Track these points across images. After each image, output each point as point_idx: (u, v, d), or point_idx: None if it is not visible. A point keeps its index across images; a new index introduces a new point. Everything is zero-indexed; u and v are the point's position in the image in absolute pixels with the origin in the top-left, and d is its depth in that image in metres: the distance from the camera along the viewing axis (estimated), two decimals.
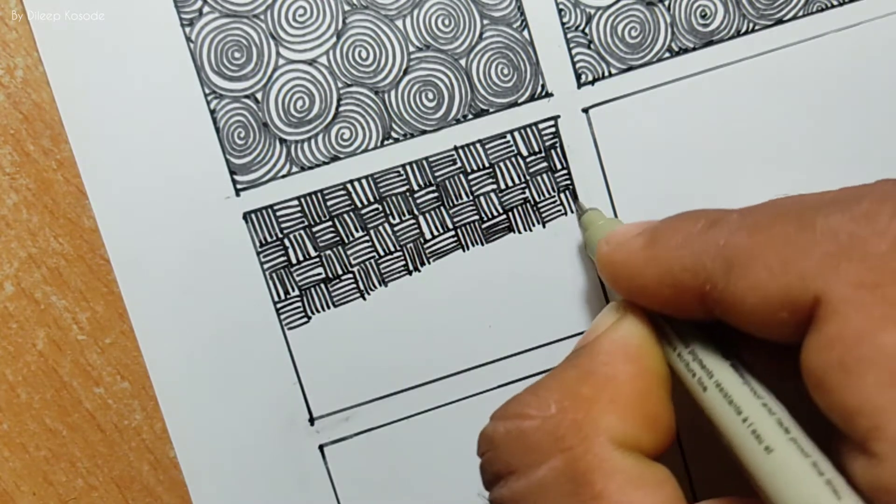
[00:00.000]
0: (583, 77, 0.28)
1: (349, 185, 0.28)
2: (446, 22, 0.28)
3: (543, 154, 0.28)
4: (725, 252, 0.19)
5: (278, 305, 0.28)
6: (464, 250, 0.28)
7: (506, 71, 0.28)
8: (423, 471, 0.28)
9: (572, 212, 0.28)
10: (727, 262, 0.19)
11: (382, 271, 0.28)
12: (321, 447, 0.28)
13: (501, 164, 0.28)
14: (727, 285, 0.19)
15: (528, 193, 0.28)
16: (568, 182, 0.28)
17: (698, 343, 0.22)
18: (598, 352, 0.22)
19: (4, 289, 0.27)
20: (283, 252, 0.28)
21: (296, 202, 0.28)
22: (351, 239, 0.28)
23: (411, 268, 0.28)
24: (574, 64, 0.28)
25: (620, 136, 0.28)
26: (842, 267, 0.18)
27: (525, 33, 0.28)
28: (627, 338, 0.22)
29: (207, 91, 0.27)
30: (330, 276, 0.28)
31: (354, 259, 0.28)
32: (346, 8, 0.27)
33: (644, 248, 0.22)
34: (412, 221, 0.28)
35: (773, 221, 0.19)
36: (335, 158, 0.28)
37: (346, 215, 0.28)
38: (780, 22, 0.29)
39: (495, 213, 0.28)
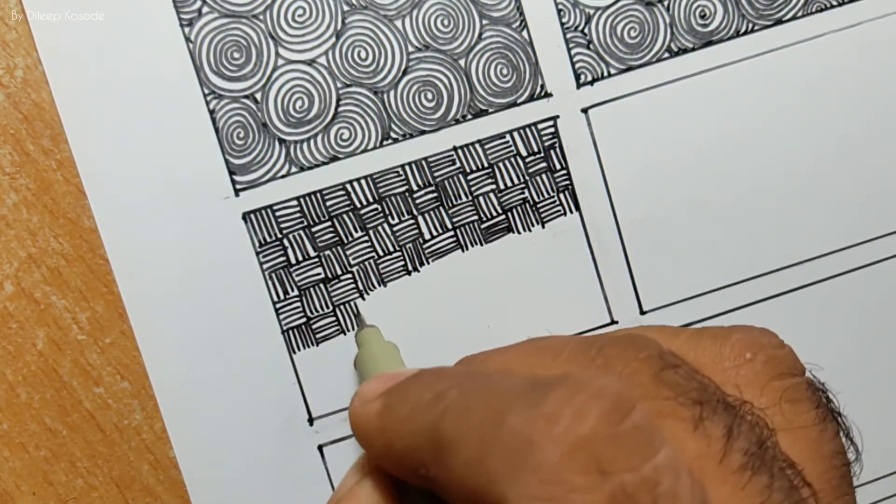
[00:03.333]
0: (582, 77, 0.28)
1: (348, 186, 0.28)
2: (445, 22, 0.28)
3: (543, 154, 0.28)
4: (436, 435, 0.19)
5: (278, 305, 0.28)
6: (463, 250, 0.28)
7: (505, 71, 0.28)
8: None
9: (572, 212, 0.28)
10: (436, 448, 0.18)
11: (382, 271, 0.28)
12: (320, 447, 0.28)
13: (501, 165, 0.28)
14: (437, 474, 0.18)
15: (527, 193, 0.28)
16: (567, 182, 0.28)
17: None
18: None
19: (4, 289, 0.27)
20: (282, 252, 0.28)
21: (295, 202, 0.28)
22: (350, 239, 0.28)
23: (410, 268, 0.28)
24: (573, 64, 0.28)
25: (620, 136, 0.28)
26: (519, 476, 0.17)
27: (524, 33, 0.28)
28: None
29: (207, 91, 0.27)
30: (329, 276, 0.28)
31: (354, 259, 0.28)
32: (346, 8, 0.27)
33: (377, 415, 0.21)
34: (411, 222, 0.28)
35: (478, 408, 0.18)
36: (334, 159, 0.28)
37: (345, 215, 0.28)
38: (779, 22, 0.29)
39: (494, 214, 0.28)
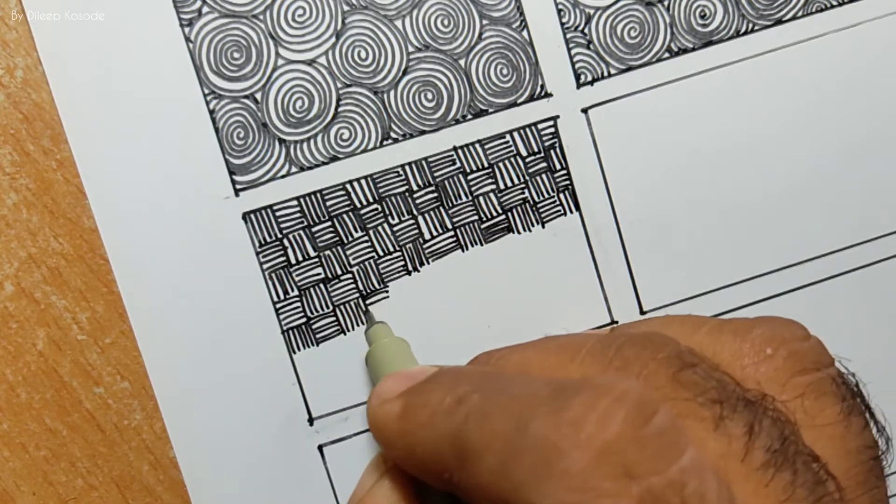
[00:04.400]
0: (582, 77, 0.28)
1: (348, 186, 0.28)
2: (445, 22, 0.28)
3: (543, 154, 0.28)
4: (458, 441, 0.19)
5: (277, 305, 0.28)
6: (463, 250, 0.28)
7: (505, 71, 0.28)
8: None
9: (572, 212, 0.28)
10: (460, 454, 0.18)
11: (382, 271, 0.28)
12: (320, 447, 0.28)
13: (501, 165, 0.28)
14: (460, 480, 0.18)
15: (527, 194, 0.28)
16: (567, 182, 0.28)
17: None
18: None
19: (4, 289, 0.27)
20: (282, 252, 0.28)
21: (295, 202, 0.28)
22: (350, 239, 0.28)
23: (410, 268, 0.28)
24: (573, 64, 0.28)
25: (620, 136, 0.28)
26: (545, 483, 0.17)
27: (524, 33, 0.28)
28: None
29: (207, 91, 0.27)
30: (329, 276, 0.28)
31: (354, 259, 0.28)
32: (346, 8, 0.27)
33: (398, 418, 0.21)
34: (411, 222, 0.28)
35: (501, 414, 0.18)
36: (334, 158, 0.28)
37: (345, 215, 0.28)
38: (779, 22, 0.29)
39: (495, 214, 0.28)
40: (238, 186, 0.27)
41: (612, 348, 0.21)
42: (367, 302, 0.28)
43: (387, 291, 0.28)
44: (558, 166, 0.28)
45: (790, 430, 0.19)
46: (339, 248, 0.28)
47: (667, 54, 0.28)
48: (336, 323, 0.28)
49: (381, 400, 0.22)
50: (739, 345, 0.21)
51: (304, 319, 0.28)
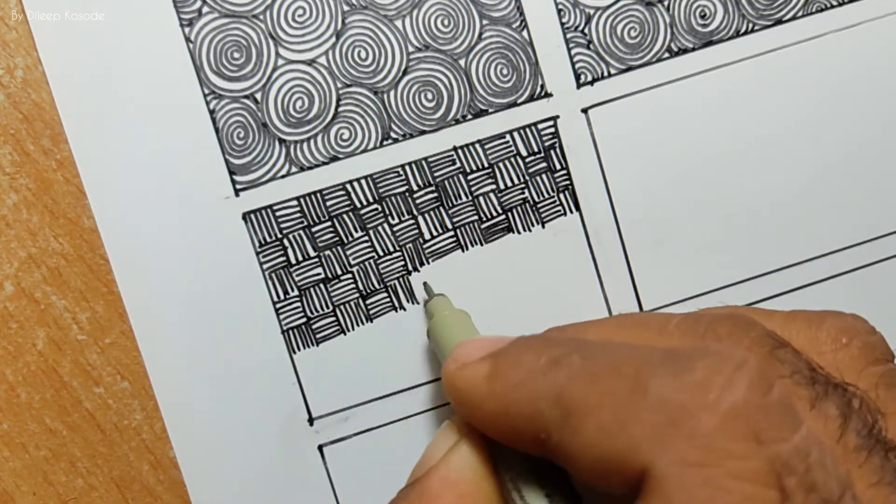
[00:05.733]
0: (582, 77, 0.28)
1: (348, 186, 0.28)
2: (445, 22, 0.28)
3: (543, 154, 0.28)
4: (562, 401, 0.18)
5: (277, 306, 0.28)
6: (463, 250, 0.28)
7: (505, 71, 0.28)
8: None
9: (572, 212, 0.28)
10: (563, 412, 0.18)
11: (382, 271, 0.28)
12: (320, 447, 0.28)
13: (501, 165, 0.28)
14: (561, 439, 0.18)
15: (527, 194, 0.28)
16: (567, 182, 0.28)
17: (523, 478, 0.21)
18: (427, 492, 0.21)
19: (4, 289, 0.27)
20: (282, 252, 0.28)
21: (295, 202, 0.28)
22: (350, 239, 0.28)
23: (410, 268, 0.28)
24: (573, 64, 0.28)
25: (620, 136, 0.28)
26: (669, 441, 0.17)
27: (524, 33, 0.28)
28: (460, 472, 0.21)
29: (207, 91, 0.27)
30: (329, 276, 0.28)
31: (354, 259, 0.28)
32: (346, 8, 0.27)
33: (486, 379, 0.21)
34: (411, 222, 0.28)
35: (611, 374, 0.18)
36: (334, 159, 0.28)
37: (345, 215, 0.28)
38: (779, 22, 0.29)
39: (495, 214, 0.28)
40: (238, 186, 0.27)
41: (701, 324, 0.21)
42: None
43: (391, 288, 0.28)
44: (558, 166, 0.28)
45: (875, 417, 0.20)
46: (339, 248, 0.28)
47: (667, 54, 0.28)
48: (336, 323, 0.28)
49: (461, 364, 0.21)
50: (815, 333, 0.22)
51: (304, 319, 0.28)
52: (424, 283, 0.28)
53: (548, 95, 0.28)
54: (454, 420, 0.22)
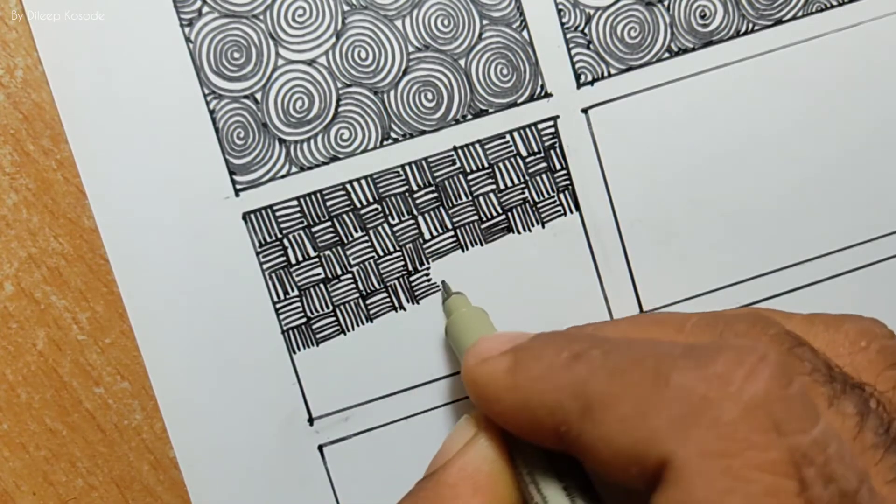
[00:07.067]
0: (582, 77, 0.28)
1: (348, 186, 0.28)
2: (445, 22, 0.28)
3: (543, 154, 0.28)
4: (584, 393, 0.19)
5: (277, 306, 0.28)
6: (463, 250, 0.28)
7: (505, 71, 0.28)
8: (423, 471, 0.28)
9: (572, 212, 0.28)
10: (584, 405, 0.19)
11: (382, 271, 0.28)
12: (320, 447, 0.28)
13: (501, 165, 0.28)
14: (581, 432, 0.19)
15: (527, 194, 0.28)
16: (567, 182, 0.28)
17: (540, 471, 0.21)
18: (444, 483, 0.21)
19: (4, 289, 0.27)
20: (282, 252, 0.28)
21: (295, 202, 0.28)
22: (350, 239, 0.28)
23: (410, 268, 0.28)
24: (573, 64, 0.28)
25: (620, 136, 0.28)
26: (691, 432, 0.17)
27: (524, 33, 0.28)
28: (477, 464, 0.21)
29: (207, 91, 0.27)
30: (329, 276, 0.28)
31: (354, 259, 0.28)
32: (346, 8, 0.27)
33: (507, 372, 0.21)
34: (411, 222, 0.28)
35: (632, 368, 0.19)
36: (334, 159, 0.28)
37: (345, 215, 0.28)
38: (779, 22, 0.29)
39: (495, 214, 0.28)
40: (238, 186, 0.27)
41: (719, 322, 0.21)
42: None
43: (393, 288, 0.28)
44: (558, 166, 0.28)
45: (891, 416, 0.20)
46: (339, 248, 0.28)
47: (667, 54, 0.28)
48: (336, 323, 0.28)
49: (481, 358, 0.22)
50: (833, 335, 0.22)
51: (304, 319, 0.28)
52: (442, 282, 0.28)
53: (548, 95, 0.28)
54: (473, 414, 0.23)
